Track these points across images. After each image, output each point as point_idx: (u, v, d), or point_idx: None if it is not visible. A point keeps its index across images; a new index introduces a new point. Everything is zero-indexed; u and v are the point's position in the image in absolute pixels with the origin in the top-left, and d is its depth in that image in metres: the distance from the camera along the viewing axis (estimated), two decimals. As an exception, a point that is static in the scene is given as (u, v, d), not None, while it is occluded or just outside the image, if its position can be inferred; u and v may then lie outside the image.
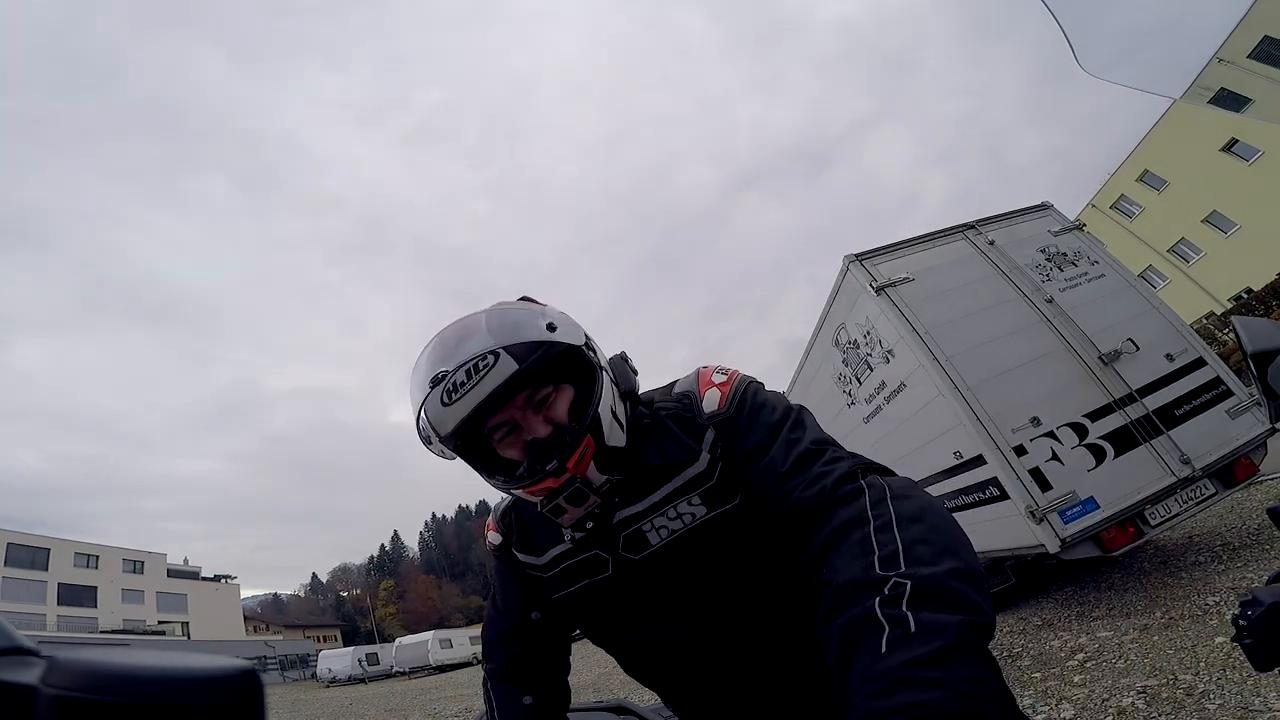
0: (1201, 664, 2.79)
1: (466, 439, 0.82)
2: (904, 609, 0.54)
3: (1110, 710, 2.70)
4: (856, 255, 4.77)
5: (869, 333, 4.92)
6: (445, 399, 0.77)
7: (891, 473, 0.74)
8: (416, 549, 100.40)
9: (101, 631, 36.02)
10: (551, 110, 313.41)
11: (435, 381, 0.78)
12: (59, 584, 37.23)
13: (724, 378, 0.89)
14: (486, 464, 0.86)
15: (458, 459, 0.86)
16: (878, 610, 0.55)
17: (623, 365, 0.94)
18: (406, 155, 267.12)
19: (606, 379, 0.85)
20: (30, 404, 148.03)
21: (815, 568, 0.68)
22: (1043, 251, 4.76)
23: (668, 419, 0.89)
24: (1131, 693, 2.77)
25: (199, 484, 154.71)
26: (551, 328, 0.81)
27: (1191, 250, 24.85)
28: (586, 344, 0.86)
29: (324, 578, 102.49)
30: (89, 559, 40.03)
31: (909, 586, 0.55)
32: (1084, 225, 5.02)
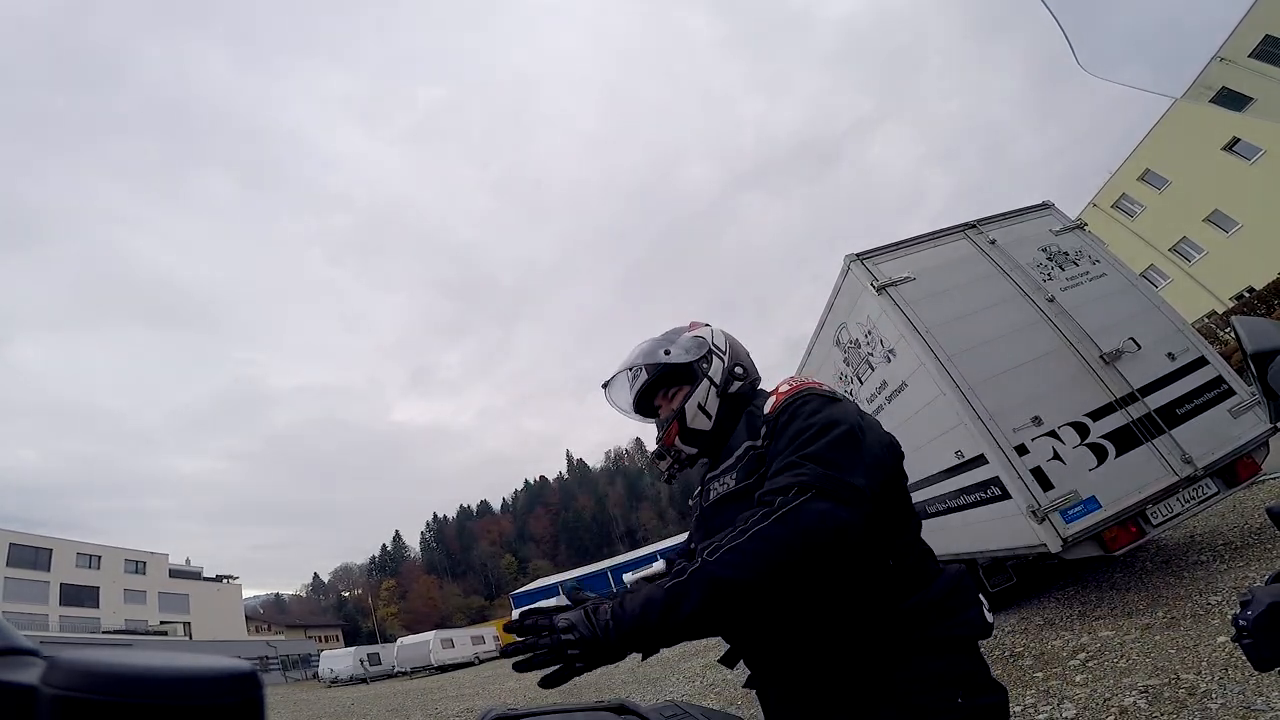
0: (1204, 663, 2.78)
1: (641, 408, 1.41)
2: (687, 574, 0.88)
3: (1112, 709, 2.70)
4: (858, 254, 4.76)
5: (870, 332, 4.91)
6: (612, 396, 1.44)
7: (846, 497, 0.89)
8: (418, 549, 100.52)
9: (104, 632, 36.03)
10: (555, 108, 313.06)
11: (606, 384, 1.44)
12: (61, 584, 37.31)
13: (788, 388, 1.13)
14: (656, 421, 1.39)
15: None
16: (686, 573, 0.89)
17: (729, 372, 1.29)
18: (410, 152, 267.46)
19: (705, 384, 1.26)
20: (32, 402, 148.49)
21: None
22: (1044, 251, 4.75)
23: (751, 413, 1.22)
24: (1134, 692, 2.76)
25: (201, 483, 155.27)
26: (667, 353, 1.31)
27: (1193, 249, 24.77)
28: (700, 359, 1.29)
29: (325, 578, 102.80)
30: (91, 559, 40.10)
31: (691, 569, 0.89)
32: (1085, 224, 5.01)
